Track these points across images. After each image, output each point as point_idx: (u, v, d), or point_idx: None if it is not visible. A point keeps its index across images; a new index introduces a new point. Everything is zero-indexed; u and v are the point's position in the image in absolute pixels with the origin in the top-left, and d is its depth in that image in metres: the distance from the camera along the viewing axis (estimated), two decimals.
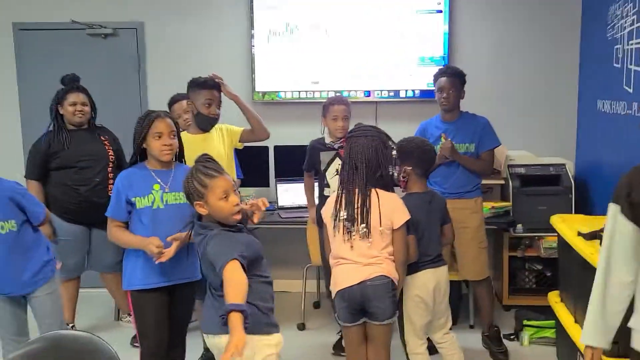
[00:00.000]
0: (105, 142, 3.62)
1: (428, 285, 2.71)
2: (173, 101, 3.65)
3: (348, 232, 2.50)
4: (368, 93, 4.34)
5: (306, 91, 4.37)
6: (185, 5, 4.44)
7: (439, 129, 3.45)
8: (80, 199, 3.49)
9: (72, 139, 3.51)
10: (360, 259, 2.50)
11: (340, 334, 3.57)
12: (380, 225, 2.48)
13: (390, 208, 2.51)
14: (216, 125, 3.23)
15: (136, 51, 4.47)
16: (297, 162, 3.79)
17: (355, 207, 2.49)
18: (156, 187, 2.50)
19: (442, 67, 3.63)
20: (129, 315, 3.91)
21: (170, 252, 2.40)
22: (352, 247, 2.50)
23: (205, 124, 3.16)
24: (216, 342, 2.11)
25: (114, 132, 3.75)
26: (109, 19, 4.42)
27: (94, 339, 1.54)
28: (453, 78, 3.38)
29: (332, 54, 4.31)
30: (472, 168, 3.36)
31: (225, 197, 2.07)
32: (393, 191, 2.61)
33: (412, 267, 2.69)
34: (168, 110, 3.51)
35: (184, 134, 3.08)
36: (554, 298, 3.09)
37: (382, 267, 2.50)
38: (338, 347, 3.50)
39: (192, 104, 3.16)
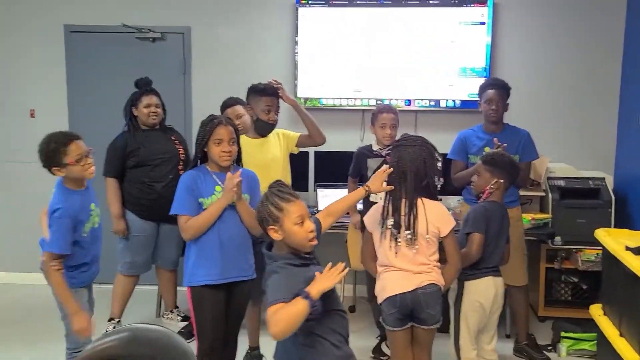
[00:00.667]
0: (176, 141, 3.79)
1: (489, 292, 2.78)
2: (225, 106, 3.74)
3: (394, 239, 2.56)
4: (409, 102, 4.40)
5: (347, 98, 4.44)
6: (232, 11, 4.55)
7: (481, 140, 3.50)
8: (155, 195, 3.65)
9: (147, 139, 3.68)
10: (408, 266, 2.55)
11: (379, 338, 3.63)
12: (427, 233, 2.54)
13: (436, 216, 2.57)
14: (275, 130, 3.33)
15: (182, 55, 4.58)
16: (337, 168, 3.86)
17: (402, 214, 2.56)
18: (218, 188, 2.61)
19: (488, 79, 3.68)
20: (171, 312, 4.04)
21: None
22: (396, 253, 2.56)
23: (264, 129, 3.26)
24: None
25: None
26: (157, 23, 4.54)
27: (166, 332, 1.62)
28: (501, 90, 3.46)
29: (374, 62, 4.39)
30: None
31: (300, 223, 1.99)
32: (437, 200, 2.68)
33: (474, 273, 2.77)
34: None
35: (242, 137, 3.19)
36: (596, 311, 3.11)
37: (432, 275, 2.56)
38: (377, 352, 3.55)
39: (252, 109, 3.26)
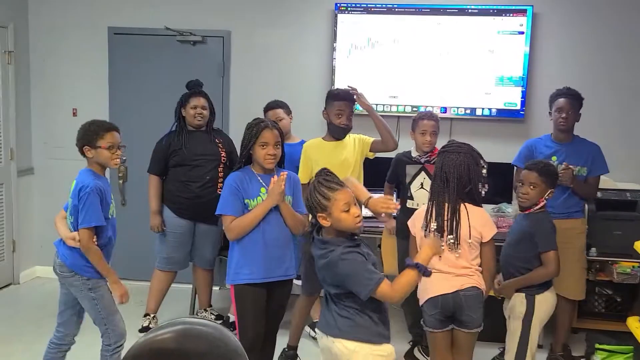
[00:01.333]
0: (220, 144, 3.86)
1: (553, 303, 2.87)
2: (267, 108, 3.82)
3: None
4: (444, 109, 4.43)
5: (383, 104, 4.48)
6: (271, 17, 4.63)
7: (549, 148, 3.50)
8: (191, 194, 3.74)
9: (190, 140, 3.77)
10: (450, 269, 2.61)
11: (411, 342, 3.65)
12: (470, 238, 2.59)
13: (480, 222, 2.63)
14: (352, 135, 3.42)
15: (222, 58, 4.67)
16: (372, 174, 3.87)
17: (445, 219, 2.60)
18: (262, 190, 2.69)
19: (560, 88, 3.63)
20: (205, 310, 4.11)
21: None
22: (440, 256, 2.59)
23: (337, 132, 3.37)
24: (328, 345, 2.23)
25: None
26: (198, 27, 4.64)
27: (219, 327, 1.65)
28: (572, 100, 3.45)
29: (411, 70, 4.42)
30: (581, 192, 3.42)
31: (347, 210, 2.14)
32: (480, 206, 2.71)
33: (542, 286, 2.84)
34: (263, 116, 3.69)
35: (318, 140, 3.34)
36: (634, 323, 3.09)
37: (474, 279, 2.61)
38: (409, 356, 3.58)
39: (327, 113, 3.39)
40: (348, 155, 3.37)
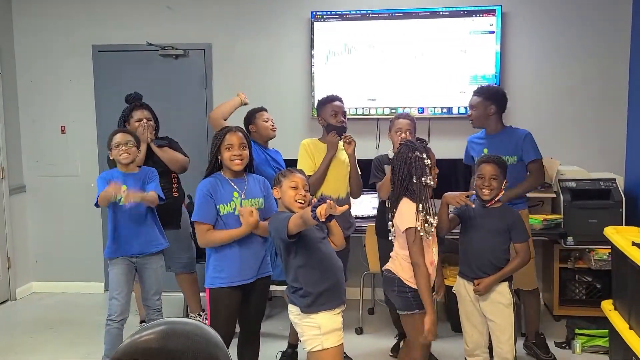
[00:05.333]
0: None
1: None
2: (259, 110, 3.85)
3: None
4: (422, 109, 4.56)
5: (363, 108, 4.61)
6: (250, 27, 4.75)
7: (480, 141, 3.61)
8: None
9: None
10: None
11: (397, 337, 3.77)
12: (393, 227, 2.78)
13: (398, 214, 2.70)
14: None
15: (204, 70, 4.80)
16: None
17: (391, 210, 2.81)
18: (235, 194, 2.77)
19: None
20: (199, 315, 4.20)
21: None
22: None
23: (336, 132, 3.43)
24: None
25: (182, 144, 3.94)
26: (180, 40, 4.76)
27: (200, 325, 1.77)
28: (476, 96, 3.56)
29: (388, 73, 4.55)
30: (525, 190, 3.48)
31: (294, 187, 2.53)
32: (420, 199, 2.69)
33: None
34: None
35: (315, 140, 3.47)
36: (607, 306, 3.22)
37: (392, 263, 2.76)
38: (395, 350, 3.69)
39: (322, 118, 3.48)
40: (342, 157, 3.46)
